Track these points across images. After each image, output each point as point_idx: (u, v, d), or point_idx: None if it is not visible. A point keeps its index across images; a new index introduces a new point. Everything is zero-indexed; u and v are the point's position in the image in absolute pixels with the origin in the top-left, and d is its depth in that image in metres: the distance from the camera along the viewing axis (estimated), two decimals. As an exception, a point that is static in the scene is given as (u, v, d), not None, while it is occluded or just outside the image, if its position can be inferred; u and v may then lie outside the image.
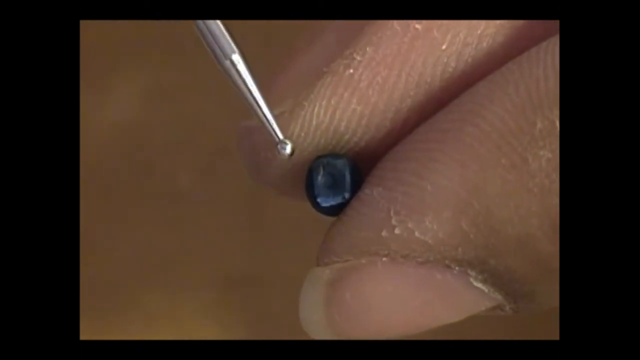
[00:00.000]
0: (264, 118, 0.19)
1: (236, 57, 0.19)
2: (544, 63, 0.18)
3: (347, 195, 0.19)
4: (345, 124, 0.19)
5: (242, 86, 0.19)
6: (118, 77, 0.41)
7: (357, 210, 0.19)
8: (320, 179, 0.19)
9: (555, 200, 0.17)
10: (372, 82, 0.19)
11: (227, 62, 0.19)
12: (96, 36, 0.40)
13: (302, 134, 0.19)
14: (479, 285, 0.19)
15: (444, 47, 0.19)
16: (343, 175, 0.19)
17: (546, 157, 0.17)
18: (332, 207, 0.20)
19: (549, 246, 0.18)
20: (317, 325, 0.19)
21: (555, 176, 0.17)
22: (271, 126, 0.19)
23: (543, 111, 0.17)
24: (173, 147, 0.40)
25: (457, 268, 0.18)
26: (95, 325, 0.38)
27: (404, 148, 0.19)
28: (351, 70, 0.19)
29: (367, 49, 0.19)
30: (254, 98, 0.19)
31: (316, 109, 0.19)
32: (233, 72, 0.19)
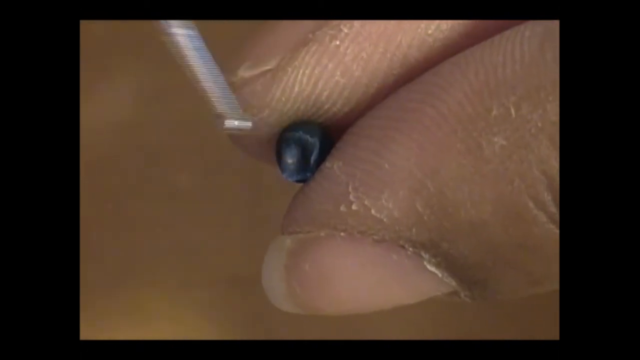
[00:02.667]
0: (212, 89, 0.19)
1: (176, 28, 0.18)
2: (503, 50, 0.18)
3: (310, 175, 0.19)
4: (327, 94, 0.19)
5: (189, 58, 0.18)
6: (118, 78, 0.41)
7: (319, 183, 0.19)
8: (288, 154, 0.20)
9: (509, 187, 0.17)
10: (357, 57, 0.19)
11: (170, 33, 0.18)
12: (96, 36, 0.40)
13: (283, 99, 0.19)
14: (433, 269, 0.19)
15: (430, 31, 0.19)
16: (311, 153, 0.19)
17: (500, 144, 0.17)
18: (297, 180, 0.20)
19: (502, 234, 0.18)
20: (279, 293, 0.19)
21: (509, 164, 0.17)
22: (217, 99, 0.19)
23: (499, 98, 0.17)
24: (173, 148, 0.40)
25: (411, 249, 0.18)
26: (95, 325, 0.38)
27: (364, 124, 0.19)
28: (337, 42, 0.19)
29: (355, 22, 0.19)
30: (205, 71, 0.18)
31: (299, 76, 0.19)
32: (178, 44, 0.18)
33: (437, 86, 0.18)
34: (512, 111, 0.17)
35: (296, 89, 0.19)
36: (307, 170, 0.19)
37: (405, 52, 0.19)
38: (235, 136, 0.20)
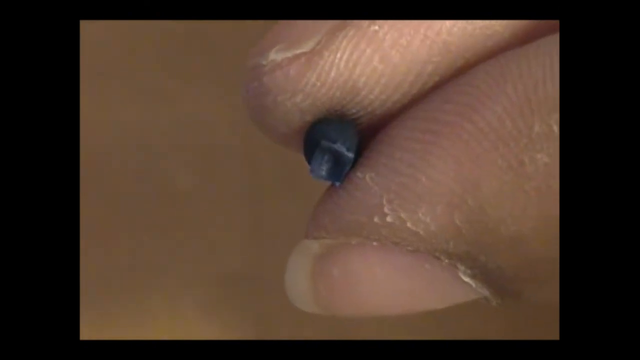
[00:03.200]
0: None
1: None
2: (542, 65, 0.17)
3: (338, 185, 0.19)
4: (364, 80, 0.19)
5: None
6: (117, 78, 0.41)
7: (349, 193, 0.19)
8: (321, 162, 0.19)
9: (552, 204, 0.17)
10: (396, 43, 0.19)
11: None
12: (96, 36, 0.40)
13: (318, 84, 0.19)
14: (467, 279, 0.19)
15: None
16: (345, 166, 0.19)
17: (543, 161, 0.17)
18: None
19: (541, 249, 0.18)
20: (303, 296, 0.19)
21: (553, 181, 0.17)
22: None
23: (541, 115, 0.17)
24: (173, 148, 0.40)
25: (446, 260, 0.18)
26: (95, 325, 0.38)
27: (397, 134, 0.19)
28: (376, 27, 0.18)
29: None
30: None
31: (336, 60, 0.19)
32: None
33: (474, 99, 0.18)
34: (555, 129, 0.17)
35: (332, 74, 0.19)
36: (336, 179, 0.19)
37: (445, 40, 0.19)
38: (263, 122, 0.20)
